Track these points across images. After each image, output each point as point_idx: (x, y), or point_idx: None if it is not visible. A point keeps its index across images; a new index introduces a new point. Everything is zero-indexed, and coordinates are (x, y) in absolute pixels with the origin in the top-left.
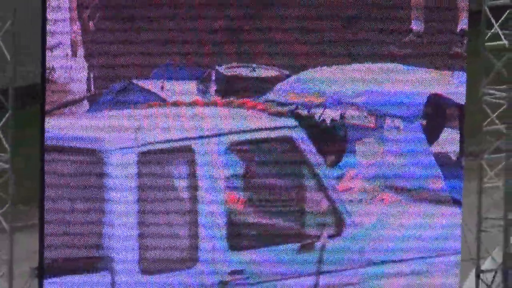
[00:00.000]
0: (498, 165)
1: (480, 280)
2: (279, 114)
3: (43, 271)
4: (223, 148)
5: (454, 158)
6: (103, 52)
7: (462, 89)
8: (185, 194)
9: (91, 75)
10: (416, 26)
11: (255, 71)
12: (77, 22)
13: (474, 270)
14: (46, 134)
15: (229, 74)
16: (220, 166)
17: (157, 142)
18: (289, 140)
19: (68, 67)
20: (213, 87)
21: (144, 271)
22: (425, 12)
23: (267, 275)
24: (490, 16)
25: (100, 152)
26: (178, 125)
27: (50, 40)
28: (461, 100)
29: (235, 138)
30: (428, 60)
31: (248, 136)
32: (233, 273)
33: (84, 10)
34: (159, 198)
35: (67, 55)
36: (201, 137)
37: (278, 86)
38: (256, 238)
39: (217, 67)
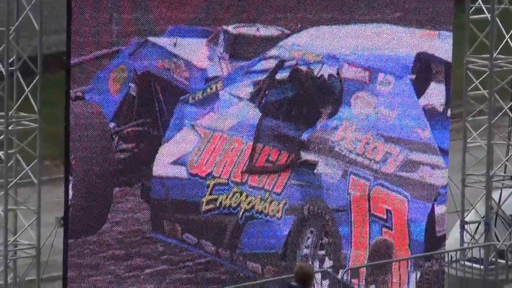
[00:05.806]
0: (481, 127)
1: (464, 231)
2: None
3: (67, 220)
4: None
5: (440, 110)
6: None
7: (447, 47)
8: None
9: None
10: None
11: (259, 30)
12: None
13: (459, 222)
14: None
15: (235, 33)
16: None
17: None
18: None
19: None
20: (221, 46)
21: None
22: None
23: None
24: None
25: None
26: None
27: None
28: (446, 57)
29: None
30: (417, 21)
31: None
32: None
33: None
34: None
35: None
36: None
37: (280, 43)
38: None
39: (224, 27)
